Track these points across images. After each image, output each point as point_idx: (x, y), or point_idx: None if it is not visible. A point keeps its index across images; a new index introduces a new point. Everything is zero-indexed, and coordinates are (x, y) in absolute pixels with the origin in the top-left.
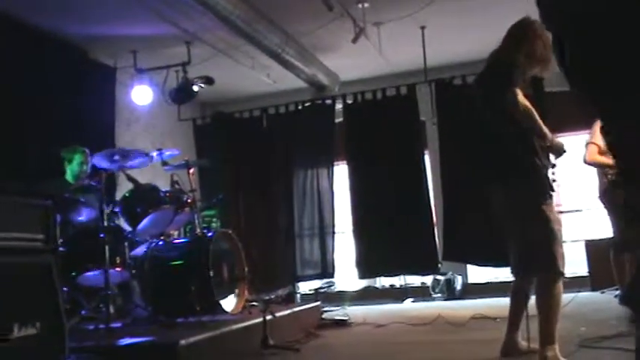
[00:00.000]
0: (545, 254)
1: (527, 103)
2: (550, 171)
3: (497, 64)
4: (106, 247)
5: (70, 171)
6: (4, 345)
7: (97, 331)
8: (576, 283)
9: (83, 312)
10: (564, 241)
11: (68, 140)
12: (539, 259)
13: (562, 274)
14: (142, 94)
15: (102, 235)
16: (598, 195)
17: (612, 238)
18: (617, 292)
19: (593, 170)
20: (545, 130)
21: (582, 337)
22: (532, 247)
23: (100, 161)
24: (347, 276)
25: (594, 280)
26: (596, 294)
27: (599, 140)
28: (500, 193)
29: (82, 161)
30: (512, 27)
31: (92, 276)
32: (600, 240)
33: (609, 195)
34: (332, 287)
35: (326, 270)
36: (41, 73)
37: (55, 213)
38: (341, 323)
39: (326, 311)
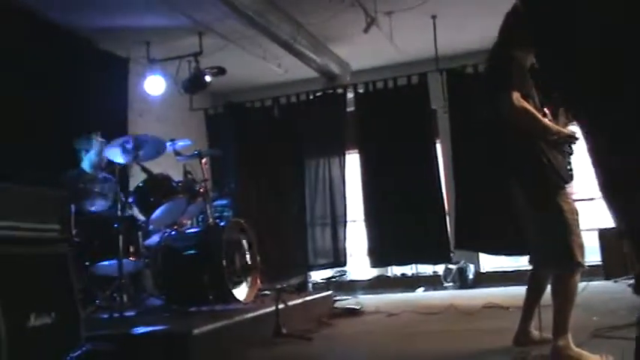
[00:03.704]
0: (561, 246)
1: (523, 104)
2: (567, 160)
3: (494, 61)
4: (120, 237)
5: (88, 160)
6: (20, 334)
7: (111, 320)
8: (589, 272)
9: (97, 301)
10: (581, 230)
11: (82, 131)
12: (556, 252)
13: (580, 264)
14: (154, 85)
15: (116, 225)
16: None
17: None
18: (631, 282)
19: None
20: (547, 124)
21: (595, 327)
22: (548, 239)
23: (113, 151)
24: (359, 265)
25: (607, 269)
26: (609, 283)
27: None
28: (516, 188)
29: (100, 150)
30: (504, 18)
31: (106, 265)
32: (613, 229)
33: None
34: (344, 276)
35: (338, 259)
36: (53, 66)
37: (69, 203)
38: (353, 312)
39: (338, 300)
